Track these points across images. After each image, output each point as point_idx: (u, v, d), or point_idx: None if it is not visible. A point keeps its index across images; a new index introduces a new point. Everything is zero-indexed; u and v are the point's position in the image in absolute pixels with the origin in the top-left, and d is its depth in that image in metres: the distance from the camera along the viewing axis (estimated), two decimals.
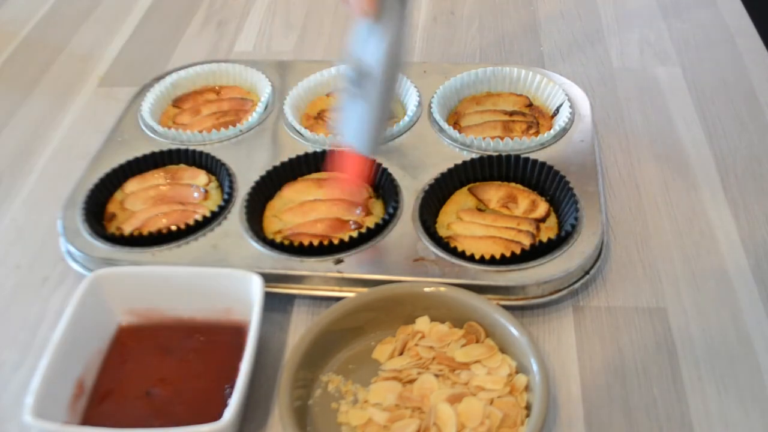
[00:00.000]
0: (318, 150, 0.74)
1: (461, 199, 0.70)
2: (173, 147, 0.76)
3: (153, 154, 0.75)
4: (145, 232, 0.67)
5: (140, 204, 0.71)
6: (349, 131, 0.63)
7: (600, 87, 0.86)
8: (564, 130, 0.75)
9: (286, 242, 0.65)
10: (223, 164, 0.73)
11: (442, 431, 0.51)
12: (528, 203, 0.68)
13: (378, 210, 0.69)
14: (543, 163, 0.69)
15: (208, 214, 0.68)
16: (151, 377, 0.57)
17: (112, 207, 0.72)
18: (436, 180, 0.70)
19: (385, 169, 0.71)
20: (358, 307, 0.59)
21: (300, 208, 0.70)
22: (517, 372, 0.55)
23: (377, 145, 0.64)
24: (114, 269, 0.62)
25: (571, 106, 0.77)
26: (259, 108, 0.80)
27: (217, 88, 0.86)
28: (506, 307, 0.58)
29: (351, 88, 0.60)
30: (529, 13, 1.01)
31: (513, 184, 0.71)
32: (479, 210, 0.69)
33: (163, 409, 0.55)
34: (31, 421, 0.50)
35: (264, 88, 0.83)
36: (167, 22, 1.05)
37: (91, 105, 0.90)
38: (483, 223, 0.67)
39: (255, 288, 0.58)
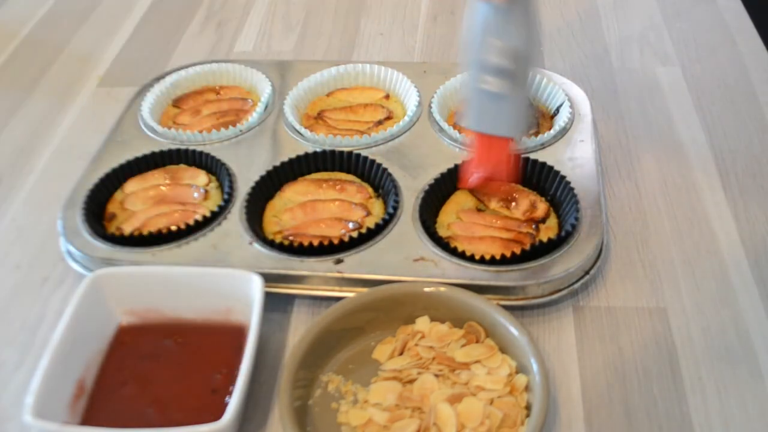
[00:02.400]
0: (318, 150, 0.74)
1: (461, 199, 0.70)
2: (173, 147, 0.76)
3: (153, 154, 0.75)
4: (145, 232, 0.67)
5: (140, 204, 0.71)
6: (499, 121, 0.61)
7: (600, 87, 0.86)
8: (564, 130, 0.75)
9: (286, 242, 0.65)
10: (223, 164, 0.73)
11: (442, 431, 0.51)
12: (528, 203, 0.68)
13: (378, 210, 0.69)
14: (543, 163, 0.69)
15: (208, 214, 0.68)
16: (150, 377, 0.57)
17: (112, 207, 0.71)
18: (436, 180, 0.70)
19: (385, 169, 0.71)
20: (358, 307, 0.59)
21: (300, 208, 0.70)
22: (517, 372, 0.55)
23: (525, 125, 0.65)
24: (114, 269, 0.62)
25: (571, 106, 0.77)
26: (259, 108, 0.80)
27: (217, 88, 0.86)
28: (506, 307, 0.58)
29: (496, 78, 0.58)
30: None
31: (513, 184, 0.71)
32: (479, 210, 0.69)
33: (163, 409, 0.55)
34: (31, 421, 0.50)
35: (264, 88, 0.83)
36: (167, 22, 1.05)
37: (91, 105, 0.90)
38: (483, 223, 0.67)
39: (255, 288, 0.58)
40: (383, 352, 0.58)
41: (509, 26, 0.56)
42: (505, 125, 0.61)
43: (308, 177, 0.73)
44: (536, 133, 0.75)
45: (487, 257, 0.62)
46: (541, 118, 0.78)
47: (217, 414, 0.51)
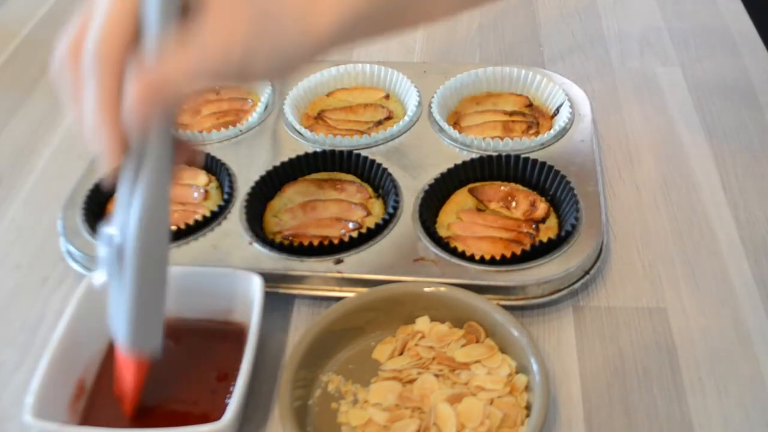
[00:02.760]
0: (318, 150, 0.74)
1: (461, 199, 0.70)
2: None
3: None
4: None
5: None
6: (115, 320, 0.51)
7: (600, 87, 0.86)
8: (564, 130, 0.75)
9: (286, 242, 0.65)
10: (223, 164, 0.73)
11: (442, 431, 0.51)
12: (528, 203, 0.68)
13: (378, 210, 0.69)
14: (543, 163, 0.69)
15: (208, 214, 0.68)
16: (150, 377, 0.57)
17: (112, 207, 0.72)
18: (436, 180, 0.70)
19: (385, 169, 0.71)
20: (358, 307, 0.59)
21: (300, 208, 0.70)
22: (517, 372, 0.55)
23: (144, 340, 0.50)
24: None
25: (571, 106, 0.77)
26: (259, 108, 0.80)
27: (217, 88, 0.86)
28: (506, 307, 0.58)
29: (109, 267, 0.48)
30: (529, 13, 1.01)
31: (513, 184, 0.71)
32: (479, 210, 0.69)
33: (163, 409, 0.55)
34: (31, 421, 0.50)
35: (264, 88, 0.83)
36: None
37: None
38: (483, 223, 0.67)
39: (255, 288, 0.58)
40: (383, 352, 0.58)
41: (127, 207, 0.47)
42: (114, 320, 0.51)
43: (308, 177, 0.73)
44: (536, 133, 0.75)
45: (487, 257, 0.62)
46: (541, 118, 0.78)
47: (217, 414, 0.51)
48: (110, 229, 0.48)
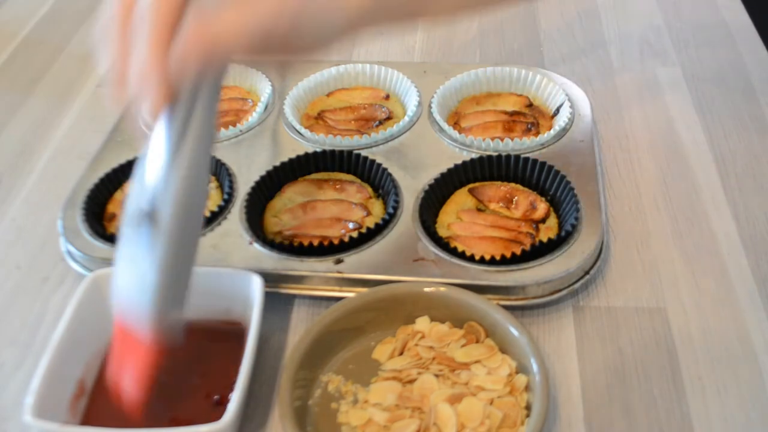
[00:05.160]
0: (318, 150, 0.74)
1: (461, 199, 0.70)
2: None
3: None
4: None
5: None
6: (124, 287, 0.47)
7: (600, 87, 0.86)
8: (564, 130, 0.75)
9: (286, 242, 0.65)
10: (223, 164, 0.73)
11: (442, 431, 0.52)
12: (528, 203, 0.68)
13: (378, 210, 0.69)
14: (543, 163, 0.69)
15: (207, 214, 0.68)
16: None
17: (112, 207, 0.72)
18: (436, 180, 0.70)
19: (385, 169, 0.71)
20: (358, 307, 0.59)
21: (300, 208, 0.70)
22: (517, 372, 0.55)
23: (164, 317, 0.46)
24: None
25: (571, 106, 0.77)
26: (259, 108, 0.80)
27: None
28: (506, 307, 0.58)
29: (133, 229, 0.45)
30: (529, 13, 1.01)
31: (513, 185, 0.71)
32: (479, 210, 0.69)
33: (162, 409, 0.55)
34: (31, 421, 0.50)
35: (264, 88, 0.83)
36: None
37: (91, 105, 0.90)
38: (483, 223, 0.67)
39: (255, 288, 0.58)
40: (383, 352, 0.58)
41: (161, 170, 0.44)
42: (123, 287, 0.47)
43: (308, 177, 0.73)
44: (536, 133, 0.75)
45: (487, 257, 0.62)
46: (541, 118, 0.78)
47: (217, 414, 0.51)
48: (141, 188, 0.45)
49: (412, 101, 0.79)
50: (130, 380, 0.49)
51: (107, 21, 0.46)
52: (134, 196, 0.46)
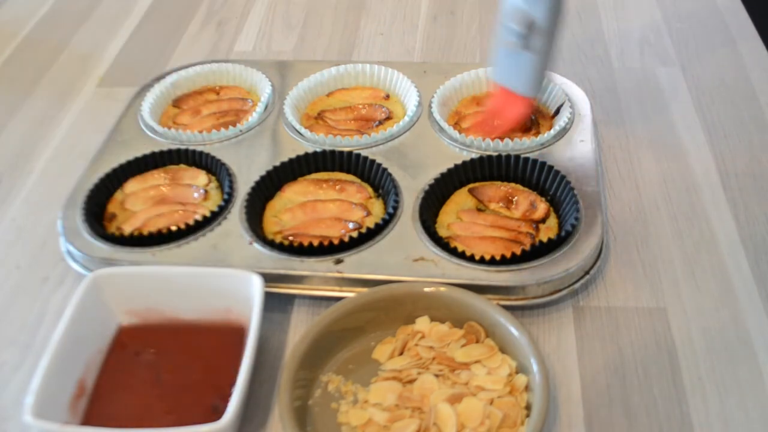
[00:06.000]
0: (318, 150, 0.74)
1: (461, 199, 0.70)
2: (173, 147, 0.76)
3: (153, 154, 0.75)
4: (145, 232, 0.67)
5: (140, 204, 0.71)
6: (515, 78, 0.70)
7: (600, 87, 0.86)
8: (564, 130, 0.75)
9: (286, 242, 0.65)
10: (223, 164, 0.73)
11: (442, 431, 0.52)
12: (528, 203, 0.68)
13: (378, 210, 0.69)
14: (543, 163, 0.69)
15: (208, 214, 0.68)
16: (151, 377, 0.57)
17: (112, 207, 0.72)
18: (436, 180, 0.70)
19: (385, 169, 0.71)
20: (358, 307, 0.59)
21: (300, 208, 0.70)
22: (517, 372, 0.55)
23: (538, 88, 0.73)
24: (114, 269, 0.62)
25: (571, 106, 0.77)
26: (259, 108, 0.80)
27: (217, 88, 0.86)
28: (506, 307, 0.58)
29: (516, 40, 0.66)
30: None
31: (513, 185, 0.71)
32: (479, 210, 0.69)
33: (163, 409, 0.55)
34: (31, 421, 0.50)
35: (264, 88, 0.83)
36: (167, 22, 1.05)
37: (91, 105, 0.90)
38: (483, 223, 0.67)
39: (255, 288, 0.58)
40: (383, 352, 0.58)
41: None
42: (520, 83, 0.70)
43: (308, 177, 0.73)
44: (536, 133, 0.75)
45: (487, 257, 0.62)
46: (541, 118, 0.78)
47: (217, 414, 0.51)
48: (518, 10, 0.65)
49: (412, 101, 0.79)
50: (504, 119, 0.73)
51: None
52: (514, 18, 0.65)
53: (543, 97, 0.80)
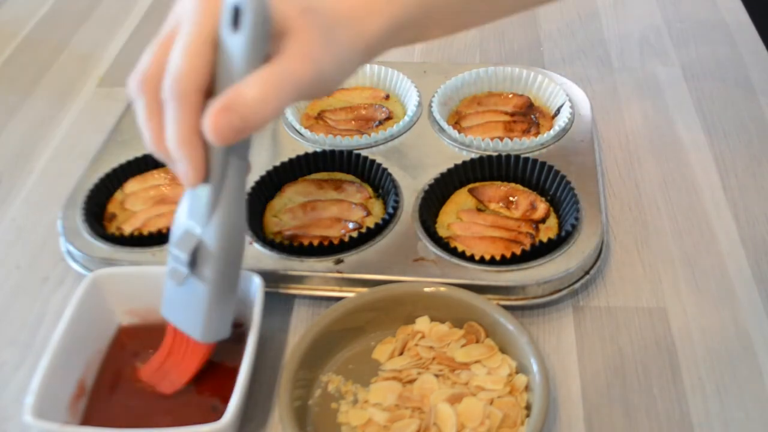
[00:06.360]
0: (318, 150, 0.74)
1: (461, 199, 0.70)
2: None
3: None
4: (145, 232, 0.67)
5: (140, 204, 0.71)
6: (181, 316, 0.54)
7: (600, 87, 0.86)
8: (564, 130, 0.75)
9: (286, 242, 0.65)
10: None
11: (442, 431, 0.52)
12: (528, 203, 0.68)
13: (378, 210, 0.69)
14: (543, 163, 0.69)
15: None
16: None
17: (112, 207, 0.71)
18: (436, 180, 0.70)
19: (385, 169, 0.71)
20: (358, 307, 0.59)
21: (300, 208, 0.70)
22: (517, 372, 0.55)
23: (217, 332, 0.54)
24: (114, 269, 0.62)
25: (571, 107, 0.77)
26: None
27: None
28: (506, 307, 0.58)
29: (181, 268, 0.51)
30: (529, 13, 1.01)
31: (513, 185, 0.71)
32: (479, 210, 0.69)
33: (163, 409, 0.55)
34: (31, 421, 0.50)
35: None
36: None
37: (91, 105, 0.90)
38: (483, 223, 0.67)
39: (255, 288, 0.58)
40: (383, 352, 0.58)
41: (203, 213, 0.49)
42: (190, 323, 0.54)
43: (308, 177, 0.73)
44: (536, 134, 0.75)
45: (487, 257, 0.62)
46: (541, 118, 0.78)
47: (217, 414, 0.51)
48: (184, 234, 0.51)
49: (412, 101, 0.79)
50: (179, 371, 0.56)
51: (139, 81, 0.47)
52: (181, 243, 0.51)
53: (543, 97, 0.80)
